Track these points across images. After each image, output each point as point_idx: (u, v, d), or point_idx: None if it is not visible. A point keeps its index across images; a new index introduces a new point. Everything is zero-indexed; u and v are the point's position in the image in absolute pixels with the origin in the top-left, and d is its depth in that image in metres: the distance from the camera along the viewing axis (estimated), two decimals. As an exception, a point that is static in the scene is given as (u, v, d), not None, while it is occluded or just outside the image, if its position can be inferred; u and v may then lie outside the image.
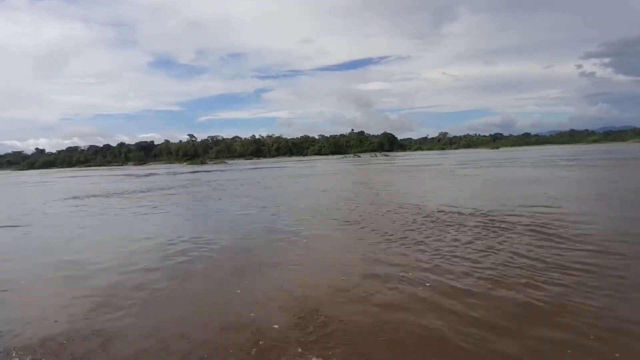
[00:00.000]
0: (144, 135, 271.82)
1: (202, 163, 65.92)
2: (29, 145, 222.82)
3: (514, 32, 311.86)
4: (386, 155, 79.62)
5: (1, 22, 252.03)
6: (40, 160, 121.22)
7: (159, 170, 48.85)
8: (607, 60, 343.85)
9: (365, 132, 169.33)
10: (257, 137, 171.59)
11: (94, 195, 16.02)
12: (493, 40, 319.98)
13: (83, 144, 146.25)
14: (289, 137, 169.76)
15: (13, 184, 34.09)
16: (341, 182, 18.44)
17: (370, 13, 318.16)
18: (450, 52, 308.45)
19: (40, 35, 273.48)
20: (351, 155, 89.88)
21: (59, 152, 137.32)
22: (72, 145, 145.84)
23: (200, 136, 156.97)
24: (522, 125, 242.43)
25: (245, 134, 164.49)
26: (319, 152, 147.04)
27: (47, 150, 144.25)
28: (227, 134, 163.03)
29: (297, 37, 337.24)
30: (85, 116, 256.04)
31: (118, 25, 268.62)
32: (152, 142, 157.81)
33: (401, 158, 59.74)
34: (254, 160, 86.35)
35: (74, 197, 15.35)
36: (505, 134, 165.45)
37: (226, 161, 77.79)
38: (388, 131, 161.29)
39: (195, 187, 19.21)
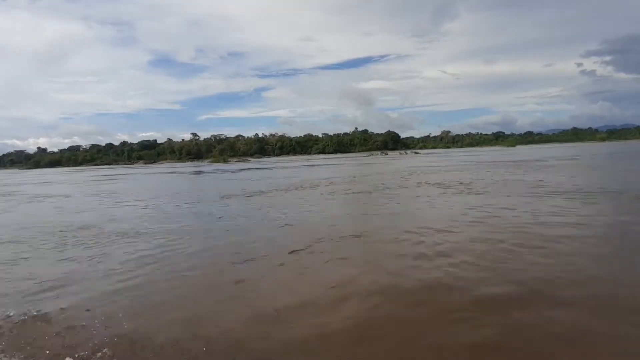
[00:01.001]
0: (143, 134, 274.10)
1: (225, 161, 65.22)
2: (29, 145, 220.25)
3: (514, 30, 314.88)
4: (416, 153, 78.10)
5: (1, 20, 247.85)
6: (46, 159, 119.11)
7: (185, 169, 47.81)
8: (607, 58, 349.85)
9: (367, 130, 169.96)
10: (260, 135, 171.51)
11: (243, 194, 14.79)
12: (493, 38, 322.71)
13: (83, 142, 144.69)
14: (292, 136, 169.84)
15: (64, 183, 32.23)
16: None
17: (370, 11, 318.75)
18: (451, 50, 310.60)
19: (40, 33, 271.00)
20: (378, 152, 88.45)
21: (62, 150, 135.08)
22: (72, 144, 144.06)
23: (201, 135, 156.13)
24: (522, 123, 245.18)
25: (245, 133, 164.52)
26: (322, 151, 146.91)
27: (48, 149, 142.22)
28: (227, 132, 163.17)
29: (297, 36, 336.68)
30: (84, 115, 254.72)
31: (117, 24, 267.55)
32: (155, 140, 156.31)
33: (440, 155, 54.46)
34: (269, 159, 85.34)
35: (226, 197, 14.74)
36: (506, 132, 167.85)
37: (248, 159, 77.17)
38: (389, 129, 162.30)
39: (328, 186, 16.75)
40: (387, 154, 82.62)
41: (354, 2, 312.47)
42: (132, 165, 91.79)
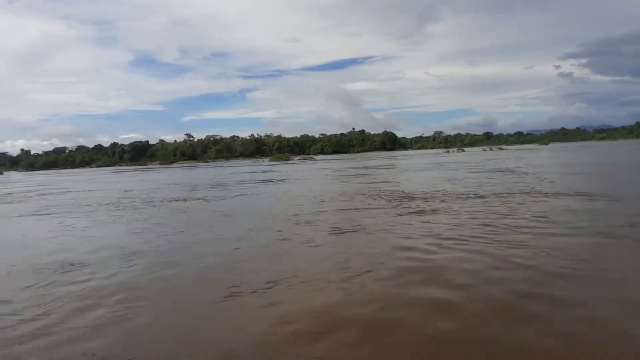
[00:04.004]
0: (125, 135, 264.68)
1: (287, 159, 63.37)
2: (5, 147, 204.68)
3: (496, 33, 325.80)
4: (501, 149, 69.78)
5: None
6: (40, 161, 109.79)
7: (268, 167, 45.07)
8: (584, 60, 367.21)
9: (364, 131, 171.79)
10: (255, 136, 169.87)
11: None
12: (475, 41, 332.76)
13: (62, 144, 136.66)
14: (289, 137, 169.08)
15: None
16: None
17: (356, 13, 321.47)
18: (434, 52, 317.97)
19: (19, 33, 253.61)
20: (454, 149, 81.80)
21: (47, 152, 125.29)
22: (51, 146, 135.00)
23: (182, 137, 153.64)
24: (503, 124, 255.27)
25: (229, 134, 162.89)
26: (321, 151, 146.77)
27: (28, 151, 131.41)
28: (211, 134, 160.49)
29: (283, 37, 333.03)
30: (64, 116, 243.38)
31: (99, 23, 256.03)
32: (147, 141, 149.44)
33: (535, 152, 48.25)
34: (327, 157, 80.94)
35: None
36: (492, 132, 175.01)
37: (313, 157, 75.04)
38: (384, 130, 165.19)
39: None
40: (464, 150, 76.61)
41: (340, 4, 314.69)
42: (147, 167, 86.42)
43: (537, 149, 61.20)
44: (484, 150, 67.26)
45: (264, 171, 32.75)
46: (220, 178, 25.87)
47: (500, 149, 70.52)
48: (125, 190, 18.88)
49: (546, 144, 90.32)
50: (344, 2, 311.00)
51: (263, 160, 75.27)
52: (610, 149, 46.79)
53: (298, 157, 70.56)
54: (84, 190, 21.11)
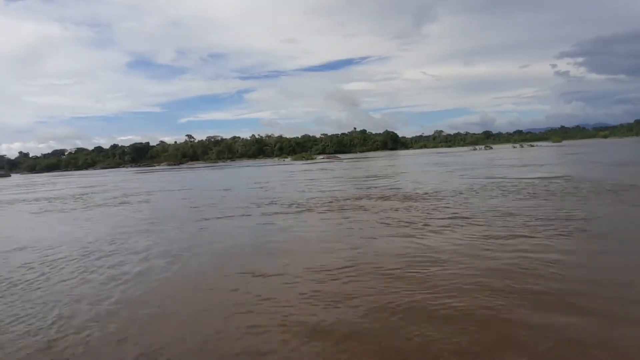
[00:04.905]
0: (122, 137, 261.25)
1: (309, 158, 62.91)
2: (2, 150, 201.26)
3: (492, 32, 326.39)
4: (532, 146, 69.47)
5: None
6: (42, 163, 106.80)
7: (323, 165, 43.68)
8: (580, 59, 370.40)
9: (365, 130, 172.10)
10: (256, 136, 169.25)
11: None
12: (472, 40, 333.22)
13: (59, 147, 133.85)
14: (290, 137, 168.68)
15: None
16: None
17: (353, 13, 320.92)
18: (431, 52, 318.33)
19: (14, 35, 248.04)
20: (482, 147, 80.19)
21: (45, 155, 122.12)
22: (48, 149, 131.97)
23: (180, 138, 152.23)
24: (500, 123, 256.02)
25: (226, 135, 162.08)
26: (323, 151, 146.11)
27: (24, 154, 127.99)
28: (208, 135, 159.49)
29: (279, 37, 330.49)
30: (61, 118, 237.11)
31: (95, 25, 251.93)
32: (148, 143, 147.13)
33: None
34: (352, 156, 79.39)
35: None
36: (490, 131, 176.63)
37: (338, 156, 73.98)
38: (374, 130, 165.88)
39: None
40: (491, 147, 74.59)
41: (337, 4, 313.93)
42: (153, 168, 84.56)
43: (565, 145, 61.78)
44: (514, 147, 66.59)
45: (321, 169, 31.91)
46: (297, 177, 24.97)
47: (531, 145, 70.45)
48: (225, 189, 17.93)
49: (559, 141, 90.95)
50: (341, 2, 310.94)
51: (283, 160, 74.37)
52: (636, 146, 46.96)
53: (322, 156, 69.94)
54: (172, 190, 20.05)
